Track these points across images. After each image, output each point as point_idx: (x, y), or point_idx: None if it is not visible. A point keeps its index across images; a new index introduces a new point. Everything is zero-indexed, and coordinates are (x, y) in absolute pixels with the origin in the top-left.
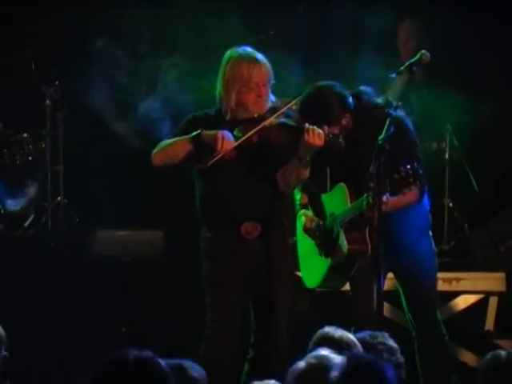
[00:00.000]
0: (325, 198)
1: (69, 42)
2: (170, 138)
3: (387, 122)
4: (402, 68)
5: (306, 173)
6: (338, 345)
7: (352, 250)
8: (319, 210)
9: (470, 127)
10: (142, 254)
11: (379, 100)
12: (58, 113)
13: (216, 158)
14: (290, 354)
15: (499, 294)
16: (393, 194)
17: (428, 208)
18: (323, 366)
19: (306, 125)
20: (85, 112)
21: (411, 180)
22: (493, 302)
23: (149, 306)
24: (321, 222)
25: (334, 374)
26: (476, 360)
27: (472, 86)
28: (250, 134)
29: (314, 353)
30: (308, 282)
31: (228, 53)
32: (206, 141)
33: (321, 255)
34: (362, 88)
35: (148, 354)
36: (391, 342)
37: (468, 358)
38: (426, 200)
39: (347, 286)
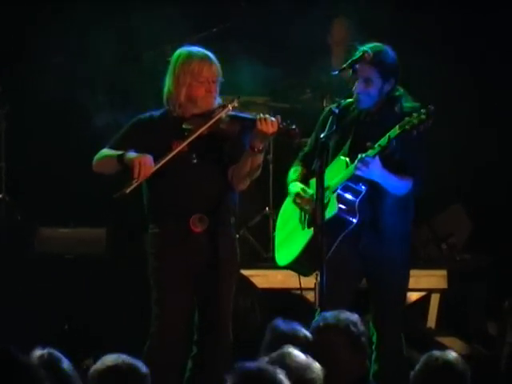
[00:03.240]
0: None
1: (9, 38)
2: (115, 141)
3: (330, 120)
4: (345, 65)
5: (259, 167)
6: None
7: (340, 212)
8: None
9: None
10: (84, 252)
11: None
12: (0, 109)
13: (134, 185)
14: (234, 352)
15: (441, 292)
16: (408, 132)
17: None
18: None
19: (259, 115)
20: (28, 109)
21: (423, 117)
22: (435, 299)
23: (92, 303)
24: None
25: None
26: (418, 357)
27: (416, 83)
28: (205, 127)
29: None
30: (280, 260)
31: (177, 52)
32: (127, 164)
33: (303, 228)
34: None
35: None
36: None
37: (410, 355)
38: (412, 208)
39: (293, 284)
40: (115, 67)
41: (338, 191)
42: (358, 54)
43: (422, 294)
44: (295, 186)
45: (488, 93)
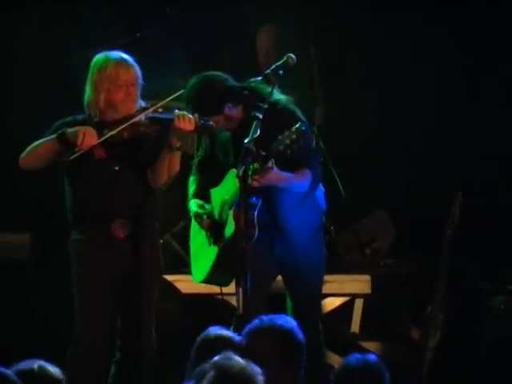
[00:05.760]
0: (215, 190)
1: None
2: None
3: (254, 125)
4: (268, 71)
5: (177, 164)
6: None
7: (239, 231)
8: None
9: (335, 129)
10: (7, 257)
11: (268, 90)
12: None
13: (78, 154)
14: (157, 357)
15: (365, 297)
16: (282, 158)
17: (323, 209)
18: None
19: (176, 111)
20: None
21: (294, 137)
22: (358, 304)
23: (15, 308)
24: (211, 210)
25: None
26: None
27: (339, 89)
28: (116, 130)
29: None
30: (196, 277)
31: (95, 57)
32: (70, 138)
33: (210, 244)
34: (252, 80)
35: None
36: None
37: (334, 360)
38: (321, 199)
39: (217, 289)
40: (46, 71)
41: (233, 210)
42: (281, 60)
43: (346, 299)
44: (192, 205)
45: (417, 100)
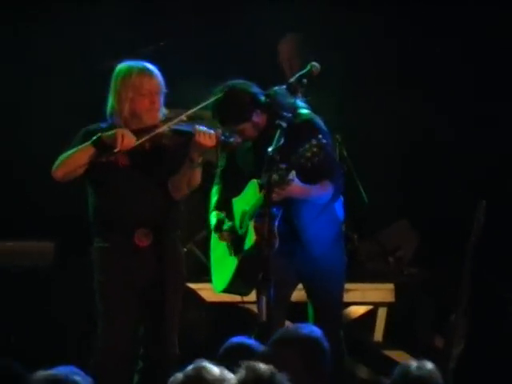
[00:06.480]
0: (237, 200)
1: None
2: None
3: (278, 133)
4: (292, 80)
5: (198, 177)
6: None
7: (259, 241)
8: (228, 215)
9: (358, 138)
10: (31, 265)
11: (292, 101)
12: None
13: (116, 154)
14: (180, 365)
15: (388, 305)
16: (303, 170)
17: (342, 219)
18: (200, 377)
19: (197, 126)
20: None
21: (315, 150)
22: (382, 313)
23: (38, 316)
24: (231, 223)
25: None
26: (365, 371)
27: (361, 96)
28: (140, 140)
29: (193, 364)
30: (217, 287)
31: (118, 67)
32: (107, 141)
33: (231, 255)
34: (276, 88)
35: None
36: None
37: (357, 368)
38: (340, 210)
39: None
40: (66, 81)
41: (254, 221)
42: (305, 69)
43: (369, 307)
44: (213, 218)
45: (434, 105)
